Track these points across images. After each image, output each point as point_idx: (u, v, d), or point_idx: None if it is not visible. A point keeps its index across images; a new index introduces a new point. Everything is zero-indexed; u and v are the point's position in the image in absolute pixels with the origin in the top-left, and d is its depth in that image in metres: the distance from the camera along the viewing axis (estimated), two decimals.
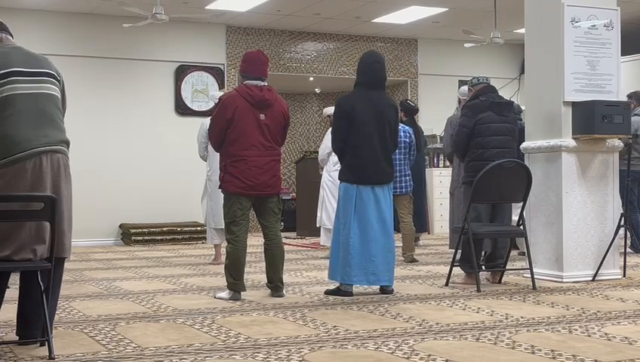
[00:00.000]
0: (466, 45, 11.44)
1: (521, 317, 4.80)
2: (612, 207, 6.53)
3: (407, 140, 7.97)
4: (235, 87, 6.20)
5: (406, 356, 3.80)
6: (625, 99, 7.95)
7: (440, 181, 11.67)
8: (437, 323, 4.62)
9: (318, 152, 9.18)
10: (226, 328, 4.54)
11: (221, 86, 11.54)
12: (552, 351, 3.87)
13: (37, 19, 10.64)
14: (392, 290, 5.84)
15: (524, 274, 6.50)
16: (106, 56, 11.09)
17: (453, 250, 6.50)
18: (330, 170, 8.44)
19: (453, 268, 6.30)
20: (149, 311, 5.21)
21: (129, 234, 10.77)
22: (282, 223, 7.90)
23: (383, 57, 6.04)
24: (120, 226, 11.07)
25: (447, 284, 6.25)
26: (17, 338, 4.03)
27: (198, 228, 10.89)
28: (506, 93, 11.09)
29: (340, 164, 5.94)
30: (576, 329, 4.41)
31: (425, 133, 10.25)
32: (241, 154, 5.59)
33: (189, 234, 11.02)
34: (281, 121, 5.75)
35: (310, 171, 10.97)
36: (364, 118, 5.70)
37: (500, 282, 6.39)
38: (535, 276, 6.08)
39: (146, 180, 11.17)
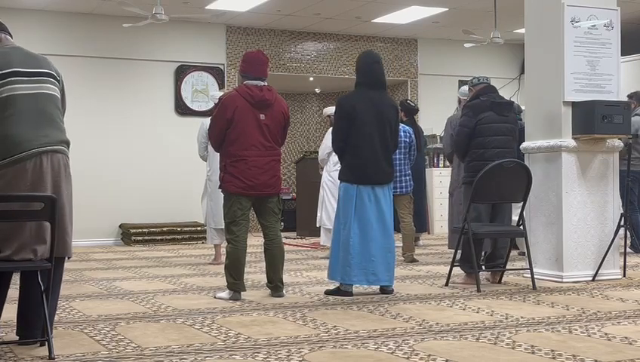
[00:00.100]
0: (466, 45, 11.44)
1: (521, 317, 4.80)
2: (612, 207, 6.53)
3: (408, 140, 7.98)
4: (235, 87, 6.20)
5: (406, 356, 3.80)
6: (625, 99, 7.94)
7: (440, 181, 11.67)
8: (437, 323, 4.62)
9: (318, 152, 9.18)
10: (226, 328, 4.54)
11: (221, 86, 11.54)
12: (552, 351, 3.87)
13: (37, 19, 10.64)
14: (392, 290, 5.84)
15: (524, 274, 6.50)
16: (106, 56, 11.09)
17: (453, 250, 6.51)
18: (330, 170, 8.44)
19: (453, 268, 6.31)
20: (149, 311, 5.21)
21: (129, 234, 10.77)
22: (282, 223, 7.90)
23: (381, 57, 6.04)
24: (120, 226, 11.07)
25: (447, 284, 6.25)
26: (17, 338, 4.04)
27: (198, 228, 10.89)
28: (506, 93, 11.09)
29: (340, 163, 5.94)
30: (576, 329, 4.41)
31: (425, 133, 10.25)
32: (241, 154, 5.59)
33: (189, 234, 11.02)
34: (281, 121, 5.75)
35: (310, 171, 10.98)
36: (364, 118, 5.70)
37: (499, 282, 6.39)
38: (535, 276, 6.08)
39: (146, 180, 11.17)
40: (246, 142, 5.59)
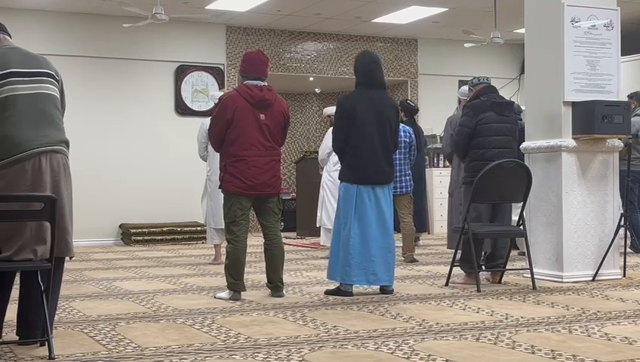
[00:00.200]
0: (466, 45, 11.44)
1: (521, 317, 4.80)
2: (612, 207, 6.53)
3: (408, 140, 7.98)
4: (235, 87, 6.20)
5: (406, 356, 3.80)
6: (625, 99, 7.94)
7: (440, 181, 11.67)
8: (437, 323, 4.62)
9: (318, 152, 9.18)
10: (226, 328, 4.54)
11: (221, 86, 11.54)
12: (552, 351, 3.87)
13: (37, 19, 10.64)
14: (392, 290, 5.84)
15: (524, 274, 6.50)
16: (106, 56, 11.09)
17: (453, 250, 6.50)
18: (330, 170, 8.44)
19: (453, 268, 6.31)
20: (149, 311, 5.21)
21: (129, 234, 10.77)
22: (282, 223, 7.90)
23: (379, 57, 6.05)
24: (120, 226, 11.07)
25: (447, 284, 6.25)
26: (17, 338, 4.03)
27: (198, 228, 10.89)
28: (506, 93, 11.08)
29: (341, 163, 5.94)
30: (576, 329, 4.41)
31: (425, 133, 10.25)
32: (241, 154, 5.59)
33: (189, 234, 11.02)
34: (281, 121, 5.75)
35: (310, 171, 10.98)
36: (365, 118, 5.70)
37: (499, 282, 6.39)
38: (535, 276, 6.08)
39: (146, 180, 11.17)
40: (246, 142, 5.59)
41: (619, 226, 6.46)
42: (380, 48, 12.73)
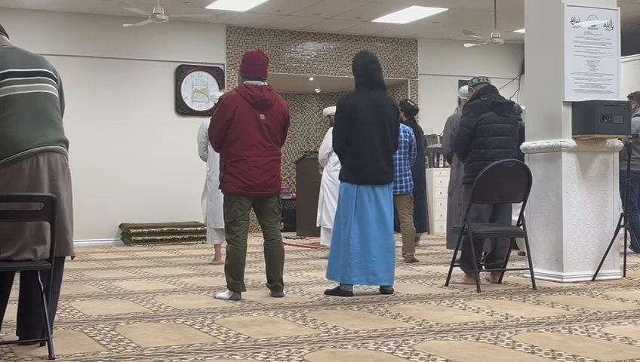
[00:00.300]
0: (466, 45, 11.44)
1: (521, 317, 4.80)
2: (612, 207, 6.53)
3: (408, 140, 7.98)
4: (235, 87, 6.20)
5: (406, 356, 3.80)
6: (625, 99, 7.94)
7: (440, 181, 11.67)
8: (437, 323, 4.62)
9: (318, 152, 9.18)
10: (226, 328, 4.54)
11: (221, 86, 11.54)
12: (552, 351, 3.87)
13: (37, 19, 10.64)
14: (392, 290, 5.84)
15: (524, 274, 6.50)
16: (106, 56, 11.08)
17: (452, 250, 6.50)
18: (330, 170, 8.44)
19: (453, 268, 6.31)
20: (149, 311, 5.21)
21: (129, 234, 10.77)
22: (282, 223, 7.90)
23: (377, 56, 6.05)
24: (120, 226, 11.07)
25: (447, 284, 6.25)
26: (17, 338, 4.03)
27: (198, 228, 10.89)
28: (506, 93, 11.08)
29: (341, 163, 5.93)
30: (576, 329, 4.41)
31: (425, 133, 10.25)
32: (241, 154, 5.59)
33: (189, 234, 11.02)
34: (281, 121, 5.75)
35: (310, 171, 10.98)
36: (365, 118, 5.70)
37: (499, 282, 6.39)
38: (535, 276, 6.08)
39: (146, 180, 11.17)
40: (246, 142, 5.59)
41: (619, 226, 6.46)
42: (379, 48, 12.73)
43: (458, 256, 6.30)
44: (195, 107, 11.57)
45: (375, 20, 11.66)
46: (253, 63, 5.73)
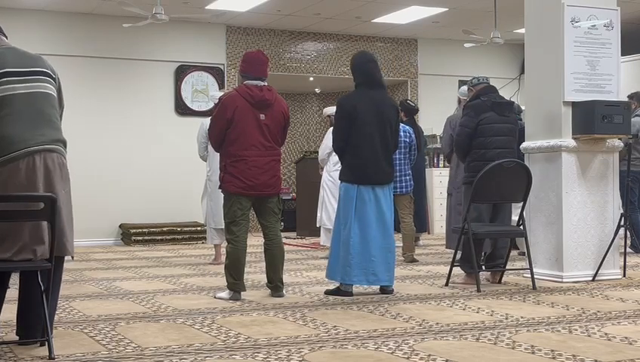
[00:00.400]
0: (466, 45, 11.44)
1: (521, 317, 4.80)
2: (612, 207, 6.53)
3: (408, 140, 7.98)
4: (235, 87, 6.20)
5: (406, 356, 3.80)
6: (625, 99, 7.95)
7: (440, 181, 11.67)
8: (437, 323, 4.62)
9: (318, 152, 9.18)
10: (226, 328, 4.54)
11: (221, 86, 11.54)
12: (552, 351, 3.87)
13: (37, 19, 10.64)
14: (392, 290, 5.84)
15: (524, 274, 6.50)
16: (106, 56, 11.08)
17: (452, 250, 6.50)
18: (330, 170, 8.44)
19: (453, 268, 6.31)
20: (149, 311, 5.21)
21: (129, 234, 10.77)
22: (282, 223, 7.90)
23: (375, 56, 6.05)
24: (120, 226, 11.07)
25: (447, 284, 6.25)
26: (17, 338, 4.03)
27: (198, 228, 10.89)
28: (506, 93, 11.07)
29: (341, 164, 5.93)
30: (576, 329, 4.41)
31: (425, 133, 10.25)
32: (241, 154, 5.59)
33: (189, 234, 11.02)
34: (281, 121, 5.75)
35: (310, 171, 10.98)
36: (365, 118, 5.70)
37: (499, 282, 6.39)
38: (535, 276, 6.08)
39: (146, 180, 11.17)
40: (246, 142, 5.59)
41: (619, 226, 6.46)
42: (379, 48, 12.73)
43: (458, 256, 6.31)
44: (195, 107, 11.57)
45: (375, 20, 11.66)
46: (253, 63, 5.73)
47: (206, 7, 10.58)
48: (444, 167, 11.86)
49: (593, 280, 6.36)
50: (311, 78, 12.99)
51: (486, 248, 6.48)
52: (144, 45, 11.28)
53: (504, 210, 6.44)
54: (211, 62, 11.76)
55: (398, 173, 7.56)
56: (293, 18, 11.47)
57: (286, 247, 6.21)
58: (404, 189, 7.98)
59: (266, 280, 5.85)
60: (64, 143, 4.02)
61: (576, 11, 6.44)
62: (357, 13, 11.19)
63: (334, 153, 6.55)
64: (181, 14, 10.06)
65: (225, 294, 5.68)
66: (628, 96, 8.59)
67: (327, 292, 5.83)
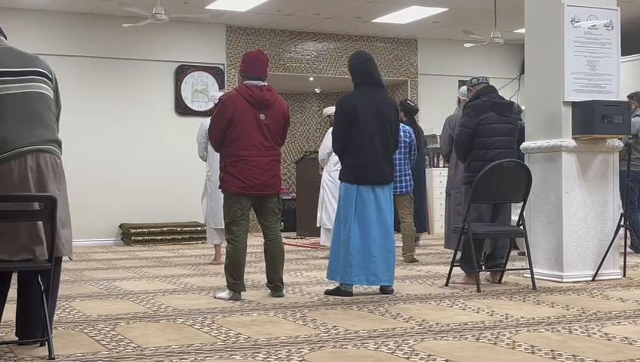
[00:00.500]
0: (466, 45, 11.44)
1: (521, 317, 4.80)
2: (612, 207, 6.53)
3: (408, 140, 7.98)
4: (235, 87, 6.20)
5: (406, 356, 3.80)
6: (625, 99, 7.95)
7: (440, 181, 11.66)
8: (437, 323, 4.62)
9: (318, 152, 9.18)
10: (226, 328, 4.54)
11: (221, 86, 11.54)
12: (552, 351, 3.87)
13: (37, 19, 10.64)
14: (392, 290, 5.84)
15: (524, 274, 6.50)
16: (106, 56, 11.08)
17: (452, 250, 6.50)
18: (330, 170, 8.44)
19: (453, 268, 6.31)
20: (149, 311, 5.21)
21: (129, 234, 10.77)
22: (282, 223, 7.90)
23: (372, 55, 6.05)
24: (120, 226, 11.07)
25: (447, 284, 6.25)
26: (17, 338, 4.03)
27: (198, 228, 10.89)
28: (506, 93, 11.09)
29: (341, 164, 5.93)
30: (576, 329, 4.41)
31: (425, 133, 10.24)
32: (241, 154, 5.59)
33: (189, 234, 11.02)
34: (281, 121, 5.75)
35: (310, 171, 10.98)
36: (365, 118, 5.70)
37: (499, 282, 6.39)
38: (535, 276, 6.08)
39: (146, 180, 11.17)
40: (246, 142, 5.59)
41: (619, 226, 6.46)
42: (379, 48, 12.73)
43: (458, 256, 6.31)
44: (195, 107, 11.57)
45: (375, 20, 11.66)
46: (253, 63, 5.73)
47: (206, 7, 10.58)
48: (443, 167, 11.85)
49: (593, 280, 6.36)
50: (311, 78, 13.00)
51: (486, 248, 6.48)
52: (144, 45, 11.28)
53: (504, 210, 6.44)
54: (211, 62, 11.76)
55: (398, 173, 7.56)
56: (293, 18, 11.47)
57: (286, 247, 6.21)
58: (404, 189, 7.98)
59: (266, 280, 5.85)
60: (58, 143, 4.00)
61: (576, 11, 6.44)
62: (357, 13, 11.19)
63: (334, 153, 6.55)
64: (181, 14, 10.06)
65: (225, 294, 5.68)
66: (628, 96, 8.59)
67: (327, 292, 5.83)
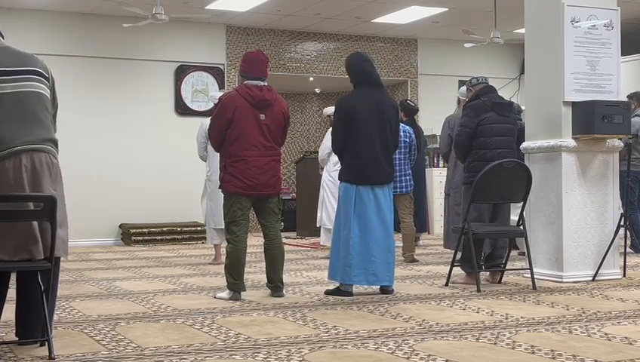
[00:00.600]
0: (466, 45, 11.44)
1: (521, 317, 4.80)
2: (612, 207, 6.53)
3: (408, 140, 7.98)
4: (235, 87, 6.20)
5: (406, 356, 3.80)
6: (625, 99, 7.95)
7: (440, 181, 11.65)
8: (437, 323, 4.62)
9: (318, 152, 9.18)
10: (226, 328, 4.54)
11: (221, 86, 11.54)
12: (552, 351, 3.87)
13: (37, 19, 10.64)
14: (392, 290, 5.84)
15: (524, 274, 6.50)
16: (106, 56, 11.08)
17: (451, 250, 6.50)
18: (330, 170, 8.44)
19: (454, 268, 6.31)
20: (149, 311, 5.21)
21: (129, 234, 10.77)
22: (282, 223, 7.90)
23: (369, 56, 6.05)
24: (120, 226, 11.06)
25: (447, 284, 6.25)
26: (17, 338, 4.03)
27: (198, 228, 10.89)
28: (506, 93, 11.09)
29: (340, 164, 5.93)
30: (576, 329, 4.41)
31: (425, 133, 10.24)
32: (241, 154, 5.59)
33: (189, 234, 11.02)
34: (281, 121, 5.75)
35: (310, 171, 10.98)
36: (364, 118, 5.70)
37: (500, 282, 6.39)
38: (535, 276, 6.08)
39: (146, 180, 11.17)
40: (246, 142, 5.59)
41: (619, 226, 6.46)
42: (379, 48, 12.73)
43: (458, 256, 6.30)
44: (195, 107, 11.57)
45: (375, 20, 11.66)
46: (253, 63, 5.73)
47: (206, 7, 10.58)
48: (443, 167, 11.83)
49: (593, 280, 6.36)
50: (311, 78, 12.99)
51: (486, 248, 6.48)
52: (144, 45, 11.28)
53: (504, 210, 6.44)
54: (211, 62, 11.76)
55: (398, 173, 7.56)
56: (293, 18, 11.47)
57: (286, 247, 6.21)
58: (404, 189, 7.98)
59: (266, 280, 5.85)
60: (55, 143, 3.98)
61: (576, 11, 6.44)
62: (357, 13, 11.19)
63: (334, 153, 6.54)
64: (181, 14, 10.06)
65: (225, 294, 5.68)
66: (628, 96, 8.59)
67: (327, 292, 5.83)
